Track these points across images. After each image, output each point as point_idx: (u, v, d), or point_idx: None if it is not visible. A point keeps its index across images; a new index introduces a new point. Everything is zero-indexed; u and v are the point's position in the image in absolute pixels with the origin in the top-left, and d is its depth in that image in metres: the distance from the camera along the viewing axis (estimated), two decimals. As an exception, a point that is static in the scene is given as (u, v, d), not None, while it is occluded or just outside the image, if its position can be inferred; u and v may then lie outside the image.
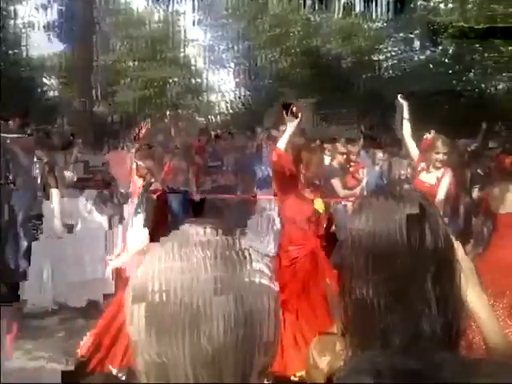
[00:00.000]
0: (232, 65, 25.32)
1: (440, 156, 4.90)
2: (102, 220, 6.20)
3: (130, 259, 3.97)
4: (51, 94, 18.78)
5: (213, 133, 10.73)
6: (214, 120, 26.33)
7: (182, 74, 24.34)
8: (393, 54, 21.11)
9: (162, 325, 0.74)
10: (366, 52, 19.81)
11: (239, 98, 24.66)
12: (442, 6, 19.68)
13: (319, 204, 4.54)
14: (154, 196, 4.20)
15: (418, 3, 19.36)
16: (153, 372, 0.76)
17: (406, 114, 5.07)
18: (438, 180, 4.93)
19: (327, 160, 8.09)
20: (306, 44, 19.38)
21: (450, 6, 19.20)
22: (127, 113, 20.64)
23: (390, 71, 20.74)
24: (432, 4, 19.60)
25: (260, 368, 0.77)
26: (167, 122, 11.63)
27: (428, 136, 5.09)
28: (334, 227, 7.56)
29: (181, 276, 0.75)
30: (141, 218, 4.13)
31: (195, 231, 0.80)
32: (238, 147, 8.60)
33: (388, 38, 20.88)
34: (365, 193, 6.65)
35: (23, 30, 19.54)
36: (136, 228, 4.15)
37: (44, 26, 17.65)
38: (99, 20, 20.90)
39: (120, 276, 4.05)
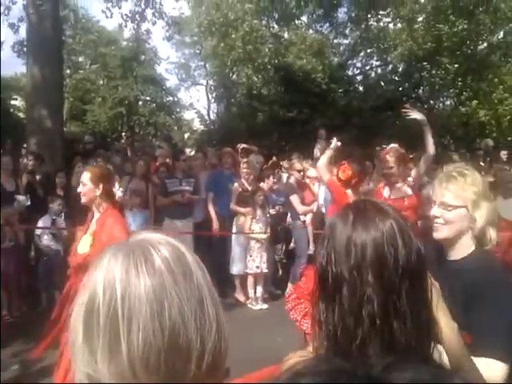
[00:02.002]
0: (204, 82, 25.43)
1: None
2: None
3: None
4: (20, 114, 18.48)
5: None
6: (187, 137, 26.35)
7: (154, 92, 24.30)
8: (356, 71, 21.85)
9: (92, 335, 0.75)
10: (337, 68, 20.24)
11: (212, 114, 24.74)
12: (391, 26, 20.34)
13: None
14: None
15: (370, 24, 20.07)
16: None
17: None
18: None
19: (284, 177, 8.17)
20: (277, 60, 19.60)
21: (399, 26, 19.86)
22: (100, 132, 20.46)
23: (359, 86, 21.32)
24: (382, 24, 20.22)
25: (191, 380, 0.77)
26: (123, 143, 11.47)
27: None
28: (292, 244, 7.62)
29: (119, 286, 0.76)
30: None
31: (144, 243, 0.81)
32: (212, 164, 8.54)
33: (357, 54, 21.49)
34: (323, 209, 6.76)
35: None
36: None
37: (12, 46, 17.46)
38: (69, 39, 20.81)
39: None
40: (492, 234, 1.93)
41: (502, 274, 1.91)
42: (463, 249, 1.94)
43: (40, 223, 6.44)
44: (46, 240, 6.46)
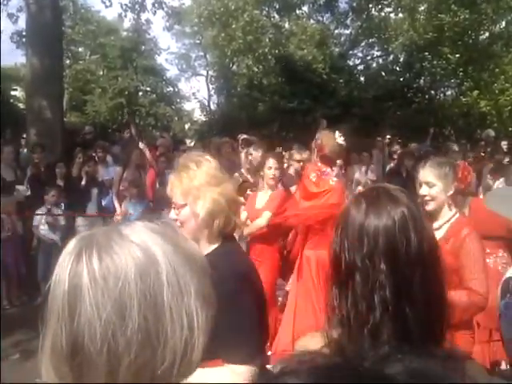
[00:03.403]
0: (205, 72, 25.34)
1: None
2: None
3: None
4: (20, 105, 18.45)
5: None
6: (187, 128, 26.31)
7: (154, 83, 24.21)
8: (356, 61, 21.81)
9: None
10: (338, 58, 20.18)
11: (213, 105, 24.68)
12: (392, 15, 20.26)
13: None
14: None
15: (371, 13, 19.97)
16: None
17: None
18: None
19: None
20: (278, 51, 19.54)
21: (400, 15, 19.78)
22: (100, 123, 20.42)
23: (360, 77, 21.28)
24: (383, 14, 20.12)
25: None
26: (127, 131, 11.26)
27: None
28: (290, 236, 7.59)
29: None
30: None
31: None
32: (212, 154, 8.51)
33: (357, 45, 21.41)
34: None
35: (-10, 41, 19.18)
36: None
37: (11, 36, 17.37)
38: (69, 29, 20.72)
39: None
40: (219, 222, 1.82)
41: (245, 267, 1.83)
42: (208, 246, 1.86)
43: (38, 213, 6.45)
44: (43, 230, 6.46)
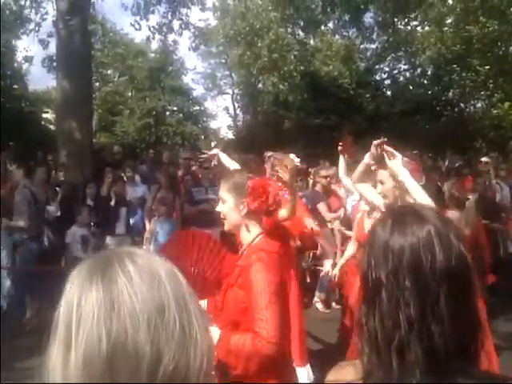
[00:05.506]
0: (231, 91, 25.56)
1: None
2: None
3: None
4: (51, 127, 18.89)
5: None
6: (213, 146, 26.51)
7: (181, 102, 24.54)
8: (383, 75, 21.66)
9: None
10: (364, 73, 20.09)
11: (239, 123, 24.82)
12: (419, 28, 20.07)
13: None
14: None
15: (397, 27, 19.84)
16: None
17: None
18: None
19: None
20: (304, 67, 19.59)
21: (427, 28, 19.56)
22: (128, 143, 20.75)
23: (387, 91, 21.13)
24: (409, 27, 19.96)
25: None
26: (151, 153, 11.44)
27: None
28: (319, 250, 7.44)
29: None
30: None
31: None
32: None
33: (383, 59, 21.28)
34: (348, 214, 6.68)
35: (23, 65, 19.82)
36: None
37: (42, 61, 17.88)
38: (98, 52, 21.22)
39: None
40: None
41: None
42: None
43: (69, 233, 6.52)
44: (75, 249, 6.53)
